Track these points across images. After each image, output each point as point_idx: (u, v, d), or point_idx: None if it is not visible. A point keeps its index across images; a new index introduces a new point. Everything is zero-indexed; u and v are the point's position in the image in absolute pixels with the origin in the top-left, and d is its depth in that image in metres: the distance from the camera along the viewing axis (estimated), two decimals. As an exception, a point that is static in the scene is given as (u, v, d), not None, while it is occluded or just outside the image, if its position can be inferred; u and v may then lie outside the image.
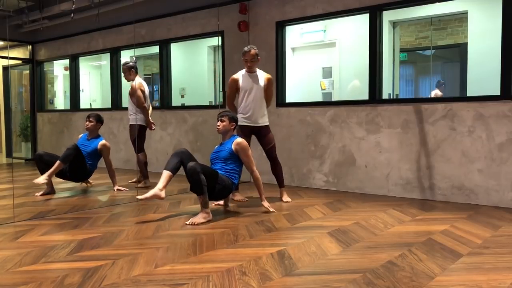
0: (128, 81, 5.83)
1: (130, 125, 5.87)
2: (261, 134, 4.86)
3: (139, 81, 5.80)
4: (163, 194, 4.06)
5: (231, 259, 2.93)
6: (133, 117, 5.78)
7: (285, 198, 4.93)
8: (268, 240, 3.39)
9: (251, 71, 4.82)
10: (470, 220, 3.97)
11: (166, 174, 4.10)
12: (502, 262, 2.85)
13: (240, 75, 4.86)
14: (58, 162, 5.09)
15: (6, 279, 2.58)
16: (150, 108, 6.04)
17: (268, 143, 4.85)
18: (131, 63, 5.80)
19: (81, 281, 2.51)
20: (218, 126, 4.38)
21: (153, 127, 5.93)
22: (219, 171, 4.20)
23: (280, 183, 4.96)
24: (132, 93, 5.76)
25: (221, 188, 4.15)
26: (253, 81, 4.81)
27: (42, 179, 5.04)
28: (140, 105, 5.71)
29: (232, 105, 4.95)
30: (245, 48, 4.75)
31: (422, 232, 3.58)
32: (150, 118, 5.87)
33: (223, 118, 4.37)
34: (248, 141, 4.81)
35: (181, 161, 4.17)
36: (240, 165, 4.36)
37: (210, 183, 4.00)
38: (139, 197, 4.11)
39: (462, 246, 3.19)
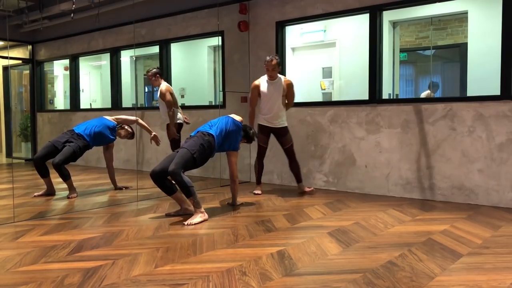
0: (154, 86, 6.08)
1: (168, 124, 6.03)
2: (279, 134, 5.31)
3: (166, 84, 5.99)
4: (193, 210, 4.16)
5: (231, 259, 2.93)
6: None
7: (305, 189, 5.40)
8: (268, 240, 3.39)
9: (272, 79, 5.22)
10: (470, 220, 3.97)
11: (174, 196, 4.21)
12: (502, 262, 2.85)
13: (261, 81, 5.30)
14: None
15: (6, 279, 2.59)
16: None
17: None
18: (154, 69, 6.03)
19: (81, 281, 2.51)
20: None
21: (188, 120, 6.27)
22: (197, 138, 4.21)
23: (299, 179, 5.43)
24: (163, 97, 5.92)
25: (200, 155, 4.15)
26: (274, 88, 5.20)
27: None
28: (171, 107, 5.88)
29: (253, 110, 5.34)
30: (267, 58, 5.16)
31: (422, 232, 3.58)
32: (183, 114, 6.20)
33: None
34: (267, 140, 5.30)
35: (163, 178, 4.12)
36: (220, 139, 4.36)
37: (193, 163, 4.08)
38: (187, 222, 3.92)
39: (462, 246, 3.19)
